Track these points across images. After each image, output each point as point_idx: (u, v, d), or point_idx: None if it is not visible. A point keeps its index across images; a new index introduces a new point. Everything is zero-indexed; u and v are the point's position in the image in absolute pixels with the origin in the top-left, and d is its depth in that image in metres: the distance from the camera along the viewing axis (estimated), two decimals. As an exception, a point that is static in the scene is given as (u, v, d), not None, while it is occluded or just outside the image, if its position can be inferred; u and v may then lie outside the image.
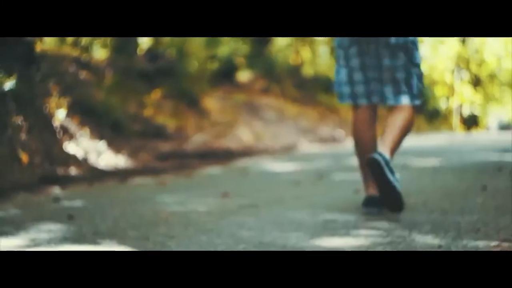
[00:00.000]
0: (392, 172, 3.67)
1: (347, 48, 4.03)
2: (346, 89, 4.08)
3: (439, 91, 22.26)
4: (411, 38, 3.96)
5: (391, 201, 3.77)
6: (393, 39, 3.91)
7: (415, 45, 3.99)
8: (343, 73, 4.07)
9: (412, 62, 3.99)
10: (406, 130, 3.96)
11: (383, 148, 3.80)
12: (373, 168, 3.66)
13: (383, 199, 3.80)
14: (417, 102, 4.03)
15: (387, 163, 3.66)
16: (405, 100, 3.98)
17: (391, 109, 4.06)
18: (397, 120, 3.94)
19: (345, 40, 4.03)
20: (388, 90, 4.00)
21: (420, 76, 4.04)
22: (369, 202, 4.02)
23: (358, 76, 4.03)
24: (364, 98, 4.06)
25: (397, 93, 3.99)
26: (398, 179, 3.74)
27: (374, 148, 4.05)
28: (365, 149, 4.09)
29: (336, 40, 4.11)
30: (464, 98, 22.57)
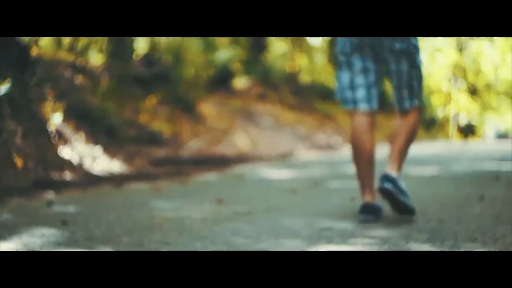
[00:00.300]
0: (401, 191, 3.95)
1: (350, 54, 4.02)
2: (349, 94, 4.07)
3: (436, 100, 22.28)
4: (413, 42, 3.98)
5: (404, 213, 4.07)
6: (397, 45, 3.93)
7: (416, 49, 4.01)
8: (346, 78, 4.06)
9: (414, 66, 4.03)
10: (411, 138, 4.14)
11: (391, 165, 4.01)
12: (385, 196, 3.94)
13: (396, 212, 4.06)
14: (418, 103, 4.11)
15: (395, 183, 3.92)
16: (409, 103, 4.08)
17: (397, 114, 4.17)
18: (402, 129, 4.09)
19: (347, 46, 4.03)
20: (393, 95, 4.10)
21: (421, 79, 4.11)
22: (365, 210, 4.00)
23: (359, 80, 4.03)
24: (365, 103, 4.04)
25: (402, 98, 4.08)
26: (405, 191, 4.00)
27: (372, 154, 4.05)
28: (363, 155, 4.06)
29: (338, 46, 4.11)
30: (461, 107, 22.59)
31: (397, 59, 3.97)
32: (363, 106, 4.05)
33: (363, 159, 4.05)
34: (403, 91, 4.06)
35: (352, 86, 4.05)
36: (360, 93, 4.04)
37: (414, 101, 4.09)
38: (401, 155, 4.06)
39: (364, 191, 4.07)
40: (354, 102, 4.06)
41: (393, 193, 3.88)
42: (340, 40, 4.07)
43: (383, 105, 4.19)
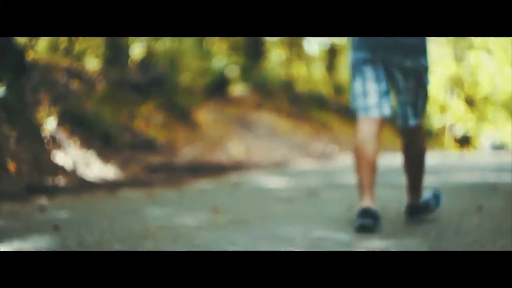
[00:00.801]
0: (428, 207, 4.36)
1: (361, 64, 4.08)
2: (361, 101, 4.08)
3: (432, 110, 22.30)
4: (423, 62, 4.04)
5: None
6: (408, 63, 4.00)
7: (426, 68, 4.09)
8: (358, 86, 4.11)
9: (422, 85, 4.11)
10: (423, 162, 4.33)
11: (412, 194, 4.33)
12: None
13: None
14: (420, 121, 4.19)
15: (423, 208, 4.33)
16: (412, 122, 4.16)
17: (401, 132, 4.29)
18: (413, 160, 4.30)
19: (359, 59, 4.07)
20: (398, 111, 4.17)
21: (426, 98, 4.19)
22: (364, 214, 3.91)
23: (371, 87, 4.05)
24: (376, 109, 4.03)
25: (406, 116, 4.16)
26: (429, 203, 4.38)
27: (375, 162, 4.03)
28: (366, 163, 4.01)
29: (350, 60, 4.16)
30: (457, 118, 22.61)
31: (405, 76, 4.04)
32: (374, 112, 4.04)
33: (366, 167, 4.01)
34: (408, 109, 4.13)
35: (364, 93, 4.07)
36: (372, 99, 4.05)
37: (417, 119, 4.16)
38: (421, 183, 4.33)
39: (364, 196, 3.99)
40: (366, 108, 4.05)
41: (425, 217, 4.33)
42: (352, 54, 4.13)
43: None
